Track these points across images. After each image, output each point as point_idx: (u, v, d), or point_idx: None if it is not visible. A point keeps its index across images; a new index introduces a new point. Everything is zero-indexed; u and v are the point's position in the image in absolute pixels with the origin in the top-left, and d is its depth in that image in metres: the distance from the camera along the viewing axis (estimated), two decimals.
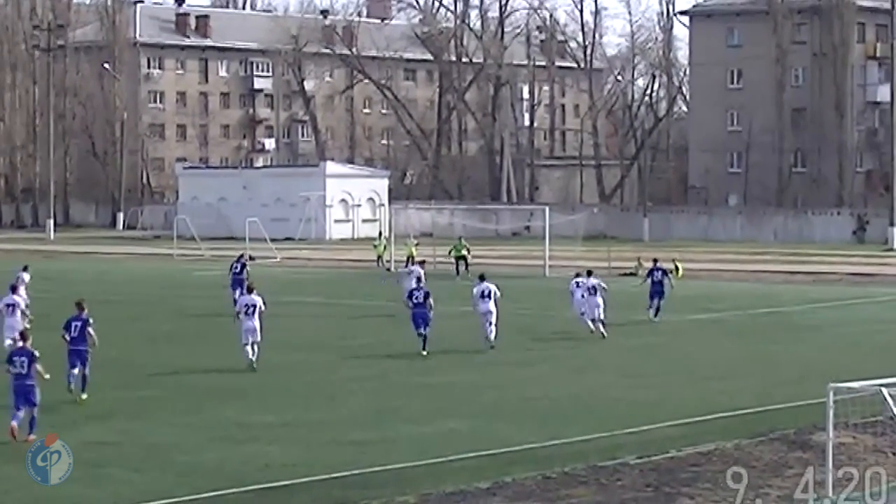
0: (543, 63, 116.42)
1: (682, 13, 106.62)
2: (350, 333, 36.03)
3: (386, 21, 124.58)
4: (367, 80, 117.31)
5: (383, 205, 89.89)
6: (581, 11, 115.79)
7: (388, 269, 58.61)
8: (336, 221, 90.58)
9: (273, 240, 73.10)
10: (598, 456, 19.66)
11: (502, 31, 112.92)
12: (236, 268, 42.02)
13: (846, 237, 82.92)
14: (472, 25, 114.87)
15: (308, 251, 74.65)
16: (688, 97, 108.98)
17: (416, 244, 60.95)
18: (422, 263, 43.11)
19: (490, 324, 31.87)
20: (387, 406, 24.39)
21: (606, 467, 18.99)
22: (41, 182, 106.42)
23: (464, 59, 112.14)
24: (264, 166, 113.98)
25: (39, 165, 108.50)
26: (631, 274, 52.51)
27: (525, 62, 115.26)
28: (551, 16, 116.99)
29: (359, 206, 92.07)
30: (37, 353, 21.13)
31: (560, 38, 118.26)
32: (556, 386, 26.89)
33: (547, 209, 62.58)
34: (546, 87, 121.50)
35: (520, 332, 34.77)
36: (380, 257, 62.27)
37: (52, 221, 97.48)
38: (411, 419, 22.99)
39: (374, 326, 37.86)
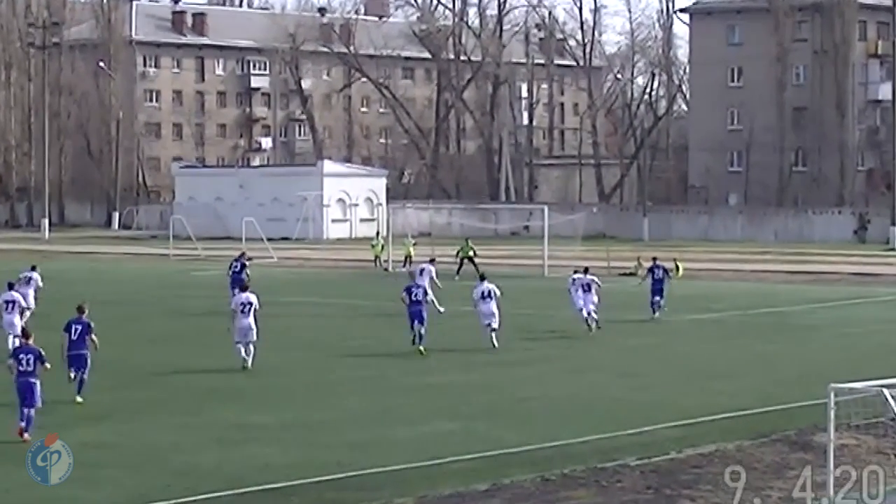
0: (542, 61, 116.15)
1: (681, 11, 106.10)
2: (348, 334, 35.99)
3: (384, 19, 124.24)
4: (364, 79, 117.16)
5: (381, 204, 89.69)
6: (580, 9, 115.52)
7: (386, 269, 58.42)
8: (333, 221, 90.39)
9: (270, 240, 72.92)
10: (597, 457, 19.60)
11: (501, 29, 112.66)
12: (236, 267, 42.09)
13: (847, 237, 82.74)
14: (470, 23, 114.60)
15: (305, 251, 74.58)
16: (688, 96, 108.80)
17: (414, 244, 60.77)
18: (432, 261, 43.15)
19: (492, 325, 31.84)
20: (384, 407, 24.34)
21: (606, 469, 18.92)
22: (36, 181, 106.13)
23: (462, 58, 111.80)
24: (261, 165, 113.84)
25: (34, 164, 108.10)
26: (630, 274, 52.46)
27: (524, 60, 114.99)
28: (550, 14, 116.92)
29: (356, 205, 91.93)
30: (43, 352, 21.20)
31: (559, 36, 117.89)
32: (554, 386, 26.82)
33: (546, 209, 62.38)
34: (545, 86, 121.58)
35: (518, 333, 34.61)
36: (377, 257, 62.05)
37: (47, 221, 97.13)
38: (409, 420, 22.97)
39: (371, 326, 37.80)
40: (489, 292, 32.00)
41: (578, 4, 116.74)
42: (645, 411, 23.53)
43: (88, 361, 24.34)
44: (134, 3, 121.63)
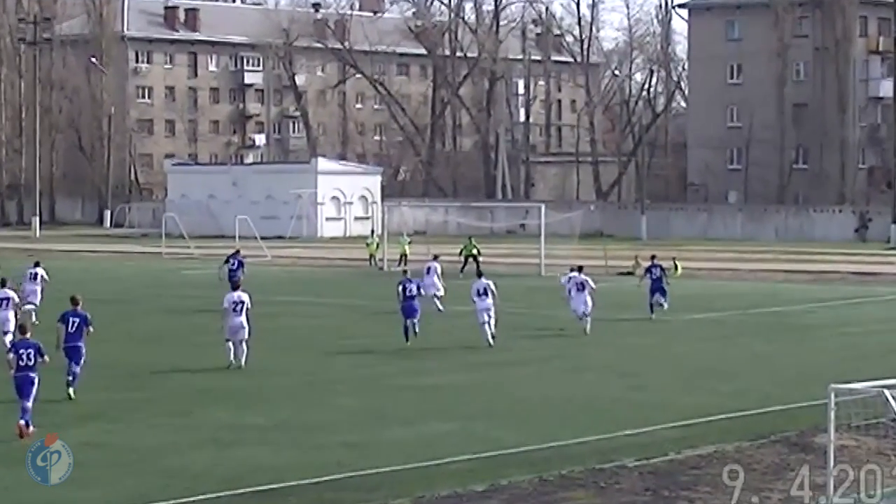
0: (539, 57, 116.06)
1: (680, 6, 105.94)
2: (342, 333, 35.98)
3: (379, 14, 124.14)
4: (359, 75, 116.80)
5: (376, 202, 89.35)
6: (577, 5, 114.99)
7: (381, 268, 58.31)
8: (328, 219, 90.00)
9: (263, 238, 72.49)
10: (595, 458, 19.53)
11: (497, 25, 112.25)
12: (233, 264, 42.38)
13: (848, 235, 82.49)
14: (466, 19, 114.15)
15: (299, 249, 74.31)
16: (686, 92, 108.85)
17: (410, 242, 60.48)
18: (436, 258, 43.16)
19: (488, 322, 32.01)
20: (380, 407, 24.23)
21: (604, 470, 18.87)
22: (27, 178, 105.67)
23: (458, 54, 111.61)
24: (254, 163, 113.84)
25: (25, 161, 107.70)
26: (628, 273, 52.38)
27: (520, 56, 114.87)
28: (547, 9, 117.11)
29: (351, 203, 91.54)
30: (42, 347, 21.37)
31: (556, 31, 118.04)
32: (552, 387, 26.75)
33: (542, 207, 61.85)
34: (542, 82, 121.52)
35: (515, 332, 34.52)
36: (372, 256, 61.94)
37: (37, 219, 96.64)
38: (405, 420, 22.92)
39: (366, 326, 37.74)
40: (485, 289, 32.18)
41: (576, 0, 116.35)
42: (643, 412, 23.44)
43: (84, 353, 24.50)
44: None
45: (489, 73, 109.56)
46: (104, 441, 20.90)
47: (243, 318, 27.99)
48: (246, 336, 28.05)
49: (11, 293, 30.61)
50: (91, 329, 24.61)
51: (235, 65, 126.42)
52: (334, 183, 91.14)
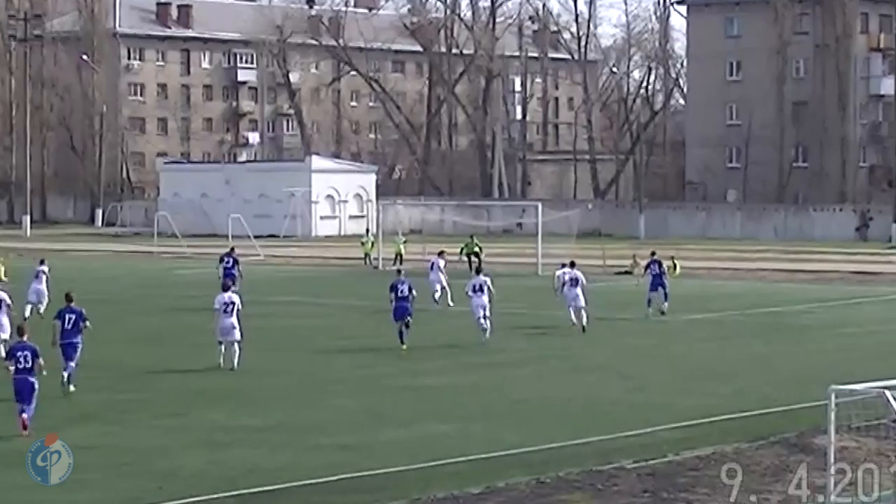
0: (536, 54, 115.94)
1: (678, 3, 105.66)
2: (338, 333, 36.11)
3: (374, 11, 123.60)
4: (354, 73, 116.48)
5: (371, 201, 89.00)
6: (575, 1, 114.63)
7: (376, 268, 58.13)
8: (322, 218, 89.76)
9: (257, 237, 72.56)
10: (593, 460, 19.55)
11: (494, 22, 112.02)
12: (227, 262, 42.40)
13: (848, 234, 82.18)
14: (462, 15, 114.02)
15: (293, 249, 74.35)
16: (685, 90, 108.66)
17: (405, 242, 60.36)
18: (441, 254, 43.18)
19: (483, 317, 32.30)
20: (375, 408, 24.23)
21: (602, 472, 18.88)
22: (17, 176, 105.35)
23: (454, 51, 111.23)
24: (248, 161, 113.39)
25: (16, 159, 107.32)
26: (626, 272, 52.45)
27: (517, 53, 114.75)
28: (544, 5, 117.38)
29: (345, 202, 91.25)
30: (39, 349, 21.50)
31: (553, 28, 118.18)
32: (550, 387, 26.79)
33: (540, 205, 61.77)
34: (539, 80, 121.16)
35: (512, 332, 34.73)
36: (367, 255, 61.63)
37: (28, 217, 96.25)
38: (401, 422, 22.90)
39: (362, 326, 37.83)
40: (481, 285, 32.55)
41: None
42: (642, 413, 23.43)
43: (80, 350, 24.89)
44: None
45: (485, 71, 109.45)
46: (97, 443, 20.82)
47: (234, 319, 28.12)
48: (238, 337, 28.14)
49: (4, 295, 30.32)
50: (88, 324, 25.02)
51: (229, 62, 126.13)
52: (329, 181, 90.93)
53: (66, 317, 24.90)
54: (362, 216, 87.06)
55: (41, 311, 36.60)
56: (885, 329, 36.51)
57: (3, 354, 22.37)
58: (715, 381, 27.29)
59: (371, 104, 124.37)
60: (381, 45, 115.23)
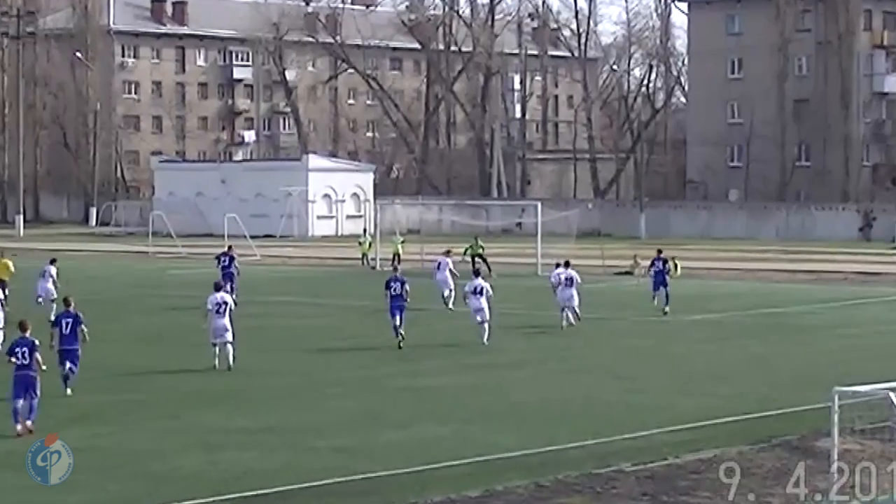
0: (535, 52, 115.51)
1: (680, 0, 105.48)
2: (334, 334, 36.09)
3: (371, 8, 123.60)
4: (351, 70, 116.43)
5: (368, 200, 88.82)
6: None
7: (374, 268, 57.83)
8: (319, 218, 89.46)
9: (253, 237, 72.13)
10: (592, 462, 19.54)
11: (492, 19, 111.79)
12: (224, 261, 42.42)
13: (852, 234, 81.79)
14: (461, 12, 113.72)
15: (290, 248, 74.18)
16: (686, 88, 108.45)
17: (403, 241, 60.06)
18: (448, 253, 42.71)
19: (482, 321, 32.40)
20: (372, 410, 24.16)
21: (601, 475, 18.87)
22: (10, 175, 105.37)
23: (452, 48, 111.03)
24: (244, 160, 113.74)
25: (8, 157, 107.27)
26: (627, 273, 52.51)
27: (516, 51, 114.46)
28: (544, 2, 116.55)
29: (343, 201, 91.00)
30: (38, 342, 21.63)
31: (553, 25, 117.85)
32: (548, 389, 26.68)
33: (539, 205, 61.42)
34: (538, 77, 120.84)
35: (511, 333, 34.71)
36: (365, 255, 61.43)
37: (21, 217, 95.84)
38: (397, 424, 22.81)
39: (359, 326, 37.68)
40: (480, 288, 32.63)
41: None
42: (641, 415, 23.37)
43: (79, 355, 24.92)
44: None
45: (484, 68, 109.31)
46: (91, 444, 20.72)
47: (227, 321, 28.17)
48: (231, 338, 28.15)
49: None
50: (86, 331, 24.98)
51: (224, 60, 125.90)
52: (326, 180, 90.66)
53: (64, 322, 24.86)
54: (360, 216, 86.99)
55: (52, 302, 36.84)
56: (889, 330, 36.25)
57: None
58: (715, 383, 27.21)
59: (368, 102, 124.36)
60: (378, 43, 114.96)
